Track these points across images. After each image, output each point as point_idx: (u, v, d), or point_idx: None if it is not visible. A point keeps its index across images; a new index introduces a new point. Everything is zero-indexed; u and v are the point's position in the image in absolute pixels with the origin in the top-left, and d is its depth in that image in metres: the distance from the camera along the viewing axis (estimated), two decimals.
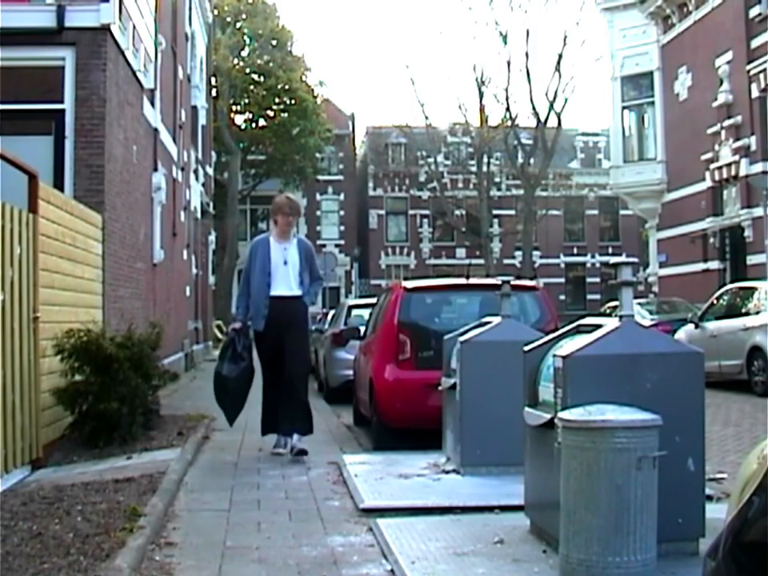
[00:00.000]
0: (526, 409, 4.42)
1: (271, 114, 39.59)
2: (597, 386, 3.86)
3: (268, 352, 7.29)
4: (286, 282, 7.21)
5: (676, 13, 24.17)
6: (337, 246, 45.66)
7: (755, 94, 20.44)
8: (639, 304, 18.71)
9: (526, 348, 4.59)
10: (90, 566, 3.90)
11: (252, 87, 39.05)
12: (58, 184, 8.77)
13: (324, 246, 42.48)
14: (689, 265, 23.44)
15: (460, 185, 45.69)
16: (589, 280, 47.98)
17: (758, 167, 19.93)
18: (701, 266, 22.96)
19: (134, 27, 10.63)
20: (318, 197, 48.11)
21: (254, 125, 40.35)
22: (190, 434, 7.99)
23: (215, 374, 7.34)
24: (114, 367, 7.21)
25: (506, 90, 37.03)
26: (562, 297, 45.73)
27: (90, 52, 9.18)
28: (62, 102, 9.17)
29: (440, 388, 6.71)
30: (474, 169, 41.75)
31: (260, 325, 7.20)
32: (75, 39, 9.15)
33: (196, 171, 21.56)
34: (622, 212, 43.45)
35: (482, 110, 38.34)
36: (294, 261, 7.30)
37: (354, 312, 14.29)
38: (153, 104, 12.97)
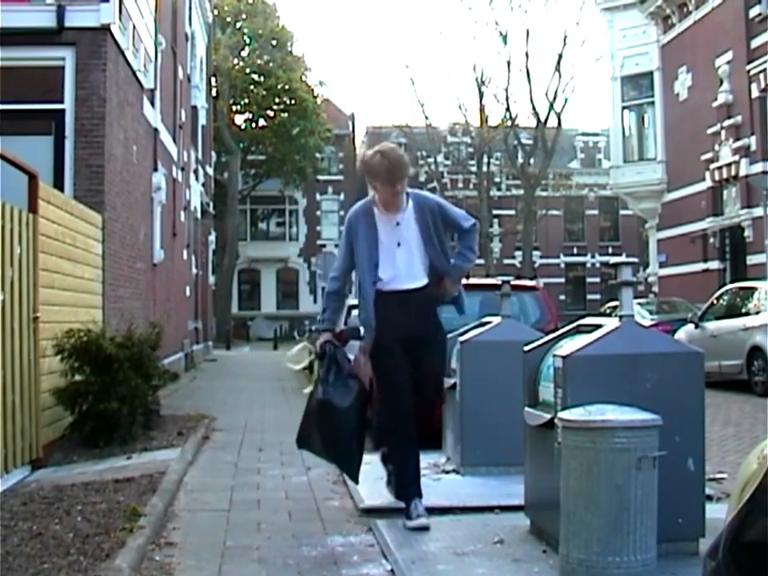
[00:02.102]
0: (526, 409, 4.41)
1: (271, 114, 39.65)
2: (597, 386, 3.86)
3: (390, 370, 4.99)
4: (405, 270, 4.97)
5: (676, 13, 24.17)
6: (337, 246, 45.59)
7: (755, 94, 20.44)
8: (639, 304, 18.71)
9: (526, 348, 4.58)
10: (89, 566, 3.89)
11: (252, 87, 39.11)
12: (58, 184, 8.78)
13: (324, 245, 42.49)
14: (689, 265, 23.44)
15: (460, 185, 45.70)
16: (589, 280, 48.00)
17: (758, 167, 19.93)
18: (701, 266, 22.97)
19: (134, 27, 10.64)
20: (318, 197, 48.13)
21: (253, 125, 40.41)
22: (189, 434, 7.99)
23: (321, 404, 4.87)
24: (114, 367, 7.21)
25: (506, 89, 37.14)
26: (562, 297, 45.76)
27: (90, 52, 9.19)
28: (62, 102, 9.18)
29: None
30: (474, 169, 41.77)
31: (371, 338, 5.14)
32: (75, 39, 9.16)
33: (196, 171, 21.58)
34: (622, 212, 43.47)
35: (482, 110, 38.41)
36: (414, 237, 4.97)
37: (354, 312, 14.25)
38: (153, 104, 12.97)
